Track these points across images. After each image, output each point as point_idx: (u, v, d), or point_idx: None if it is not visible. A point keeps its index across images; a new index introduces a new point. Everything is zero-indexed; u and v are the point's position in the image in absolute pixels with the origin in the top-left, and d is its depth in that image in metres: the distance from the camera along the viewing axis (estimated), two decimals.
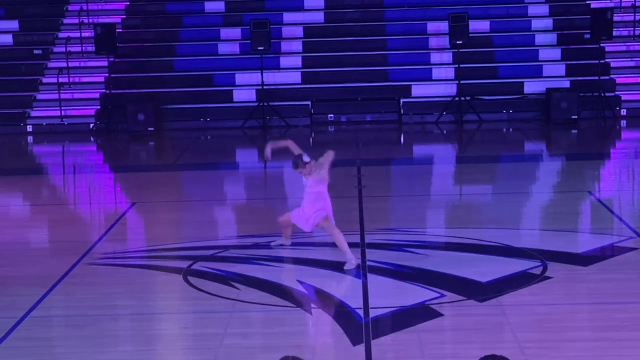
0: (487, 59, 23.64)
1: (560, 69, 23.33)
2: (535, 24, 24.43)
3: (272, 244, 11.68)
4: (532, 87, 23.00)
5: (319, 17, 24.97)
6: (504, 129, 22.35)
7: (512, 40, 24.01)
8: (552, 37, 24.06)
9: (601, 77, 22.34)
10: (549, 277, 10.38)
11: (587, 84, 22.64)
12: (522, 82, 23.05)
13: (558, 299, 9.77)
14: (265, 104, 22.65)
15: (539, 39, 24.07)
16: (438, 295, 9.83)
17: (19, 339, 8.92)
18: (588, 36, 23.03)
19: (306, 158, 11.28)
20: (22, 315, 9.51)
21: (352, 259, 10.86)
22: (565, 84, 22.88)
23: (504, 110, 22.89)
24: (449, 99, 22.74)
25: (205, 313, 9.94)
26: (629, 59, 23.60)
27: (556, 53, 23.69)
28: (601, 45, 22.89)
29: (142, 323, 9.46)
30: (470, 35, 22.62)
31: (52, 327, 9.58)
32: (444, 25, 23.55)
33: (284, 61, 24.04)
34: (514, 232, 12.56)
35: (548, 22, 24.41)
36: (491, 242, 11.87)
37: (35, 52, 24.65)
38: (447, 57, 23.75)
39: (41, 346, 8.83)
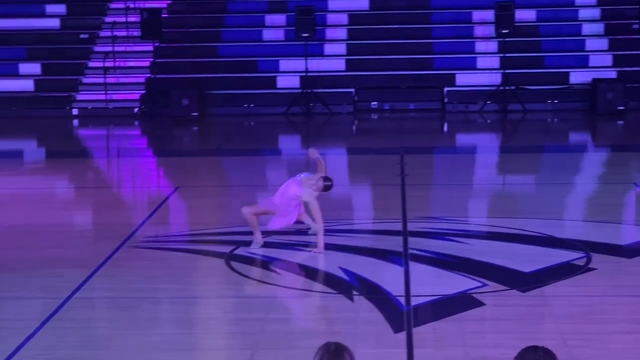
0: (533, 48, 23.49)
1: (607, 59, 23.13)
2: (583, 13, 24.22)
3: (309, 232, 11.61)
4: (578, 77, 22.82)
5: (364, 4, 24.90)
6: (549, 119, 22.21)
7: (558, 30, 23.82)
8: (599, 27, 23.84)
9: None
10: (592, 269, 10.30)
11: (634, 74, 22.44)
12: (568, 72, 22.89)
13: (601, 290, 9.70)
14: (309, 90, 22.66)
15: (586, 28, 23.87)
16: (480, 284, 9.79)
17: (63, 320, 9.00)
18: (637, 26, 22.80)
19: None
20: (67, 297, 9.59)
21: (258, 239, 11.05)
22: (612, 74, 22.68)
23: (548, 101, 22.74)
24: (493, 88, 22.63)
25: (246, 298, 9.98)
26: None
27: (603, 43, 23.48)
28: None
29: (183, 307, 9.51)
30: (516, 24, 22.49)
31: (95, 308, 9.66)
32: (489, 14, 23.42)
33: (328, 48, 24.02)
34: (557, 222, 12.47)
35: (596, 12, 24.19)
36: (534, 232, 11.80)
37: (82, 36, 24.81)
38: (493, 46, 23.62)
39: (84, 327, 8.90)
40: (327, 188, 11.11)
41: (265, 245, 11.18)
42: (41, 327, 8.73)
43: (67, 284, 9.95)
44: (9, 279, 10.27)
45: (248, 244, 11.21)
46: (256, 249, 11.06)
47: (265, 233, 11.36)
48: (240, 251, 11.11)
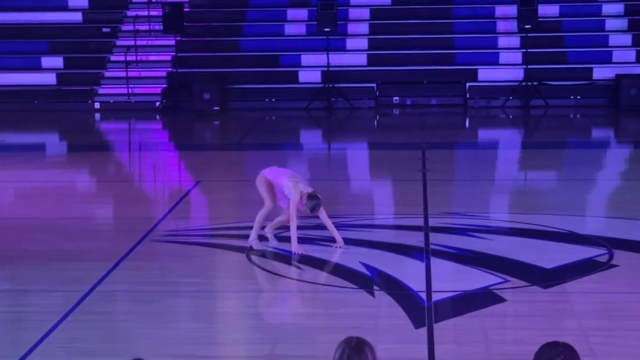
0: (556, 43, 23.40)
1: (631, 55, 23.01)
2: (606, 8, 24.12)
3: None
4: (601, 73, 22.72)
5: None
6: (571, 115, 22.11)
7: (581, 25, 23.72)
8: (623, 23, 23.73)
9: None
10: (615, 265, 10.25)
11: None
12: (591, 68, 22.78)
13: (623, 287, 9.65)
14: (331, 85, 22.64)
15: (610, 24, 23.77)
16: (501, 280, 9.76)
17: (84, 313, 9.02)
18: None
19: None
20: (88, 290, 9.62)
21: (253, 239, 10.96)
22: (636, 70, 22.56)
23: (571, 96, 22.64)
24: (515, 83, 22.55)
25: (267, 292, 9.99)
26: None
27: (627, 39, 23.37)
28: None
29: (204, 301, 9.51)
30: (539, 19, 22.40)
31: (116, 302, 9.68)
32: (512, 9, 23.34)
33: (350, 43, 24.00)
34: (579, 219, 12.42)
35: (619, 7, 24.08)
36: (556, 228, 11.75)
37: (104, 30, 24.89)
38: (515, 41, 23.54)
39: (106, 320, 8.93)
40: (313, 208, 10.73)
41: (285, 239, 11.15)
42: (62, 321, 8.76)
43: (89, 277, 9.98)
44: (31, 272, 10.31)
45: (268, 239, 11.22)
46: (277, 243, 11.04)
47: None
48: (261, 245, 11.09)
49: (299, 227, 10.93)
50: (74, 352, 8.06)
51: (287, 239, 10.96)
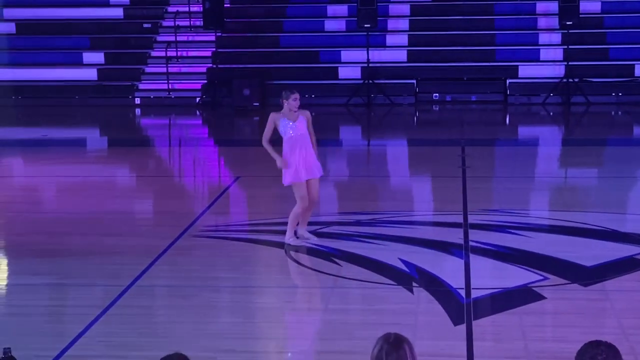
0: (598, 40, 23.22)
1: None
2: None
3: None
4: None
5: None
6: (613, 112, 21.94)
7: (624, 22, 23.53)
8: None
9: None
10: None
11: None
12: (633, 65, 22.60)
13: None
14: (370, 81, 22.62)
15: None
16: (541, 277, 9.71)
17: (124, 307, 9.09)
18: None
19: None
20: (129, 284, 9.69)
21: (290, 238, 10.87)
22: None
23: (613, 93, 22.47)
24: (556, 80, 22.41)
25: (306, 288, 10.01)
26: None
27: None
28: None
29: (243, 296, 9.55)
30: (580, 15, 22.22)
31: (156, 296, 9.74)
32: (553, 6, 23.18)
33: (390, 39, 23.96)
34: (620, 216, 12.32)
35: None
36: (596, 226, 11.67)
37: (145, 25, 25.02)
38: (556, 37, 23.39)
39: (145, 314, 8.99)
40: (287, 96, 11.24)
41: (324, 235, 11.17)
42: (102, 314, 8.83)
43: (129, 272, 10.04)
44: (72, 266, 10.39)
45: (306, 237, 11.21)
46: (316, 240, 11.04)
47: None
48: (300, 241, 11.11)
49: (338, 224, 10.88)
50: (113, 345, 8.13)
51: (325, 235, 10.98)
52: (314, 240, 11.08)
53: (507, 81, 22.80)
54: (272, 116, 10.96)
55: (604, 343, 4.35)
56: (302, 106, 11.31)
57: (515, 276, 9.82)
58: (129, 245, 11.17)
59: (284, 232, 11.19)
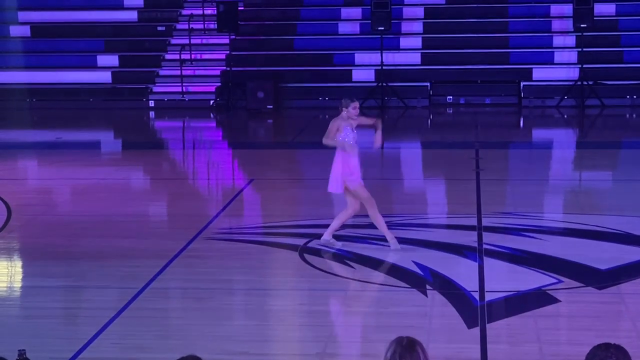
0: (612, 43, 23.17)
1: None
2: None
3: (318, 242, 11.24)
4: None
5: None
6: (627, 115, 21.88)
7: (638, 24, 23.48)
8: None
9: None
10: None
11: None
12: None
13: None
14: (384, 84, 22.62)
15: None
16: (555, 281, 9.69)
17: (139, 309, 9.11)
18: None
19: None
20: (143, 286, 9.71)
21: (393, 240, 10.83)
22: None
23: (627, 96, 22.41)
24: (570, 83, 22.37)
25: (320, 291, 10.00)
26: None
27: None
28: None
29: (257, 298, 9.55)
30: (595, 18, 22.17)
31: (170, 298, 9.76)
32: (567, 8, 23.15)
33: (404, 42, 23.95)
34: (635, 219, 12.26)
35: None
36: (611, 229, 11.64)
37: (159, 28, 25.06)
38: (571, 40, 23.35)
39: (160, 317, 9.00)
40: (347, 104, 11.49)
41: (338, 238, 11.16)
42: (117, 317, 8.84)
43: (143, 274, 10.06)
44: (86, 268, 10.42)
45: (321, 237, 11.22)
46: (340, 245, 11.00)
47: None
48: (314, 244, 11.13)
49: (352, 226, 10.90)
50: (128, 348, 8.14)
51: (349, 238, 11.01)
52: (339, 245, 11.05)
53: (521, 84, 22.77)
54: (336, 122, 11.14)
55: (613, 345, 4.33)
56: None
57: (530, 279, 9.80)
58: (144, 248, 11.19)
59: (298, 235, 11.21)
